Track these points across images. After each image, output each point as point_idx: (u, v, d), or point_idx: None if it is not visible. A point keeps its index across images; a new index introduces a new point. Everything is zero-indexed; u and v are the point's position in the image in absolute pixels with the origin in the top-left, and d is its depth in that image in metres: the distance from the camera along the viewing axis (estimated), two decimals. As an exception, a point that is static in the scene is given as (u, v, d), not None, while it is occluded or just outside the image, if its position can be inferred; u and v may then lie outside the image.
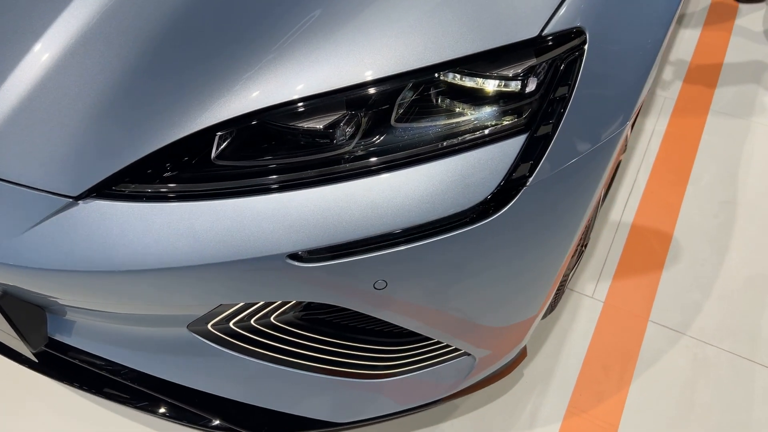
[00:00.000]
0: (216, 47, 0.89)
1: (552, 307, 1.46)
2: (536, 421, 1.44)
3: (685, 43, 2.57)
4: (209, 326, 1.03)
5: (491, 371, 1.24)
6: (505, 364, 1.27)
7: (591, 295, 1.70)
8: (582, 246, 1.46)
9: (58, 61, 0.89)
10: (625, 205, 1.93)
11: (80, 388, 1.22)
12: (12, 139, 0.88)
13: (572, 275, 1.62)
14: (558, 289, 1.34)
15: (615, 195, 1.96)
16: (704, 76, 2.42)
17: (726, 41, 2.59)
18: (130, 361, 1.10)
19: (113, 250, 0.85)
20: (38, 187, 0.87)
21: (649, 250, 1.81)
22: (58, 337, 1.12)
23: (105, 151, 0.87)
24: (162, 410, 1.19)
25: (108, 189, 0.87)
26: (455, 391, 1.21)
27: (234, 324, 1.02)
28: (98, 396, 1.24)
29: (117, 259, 0.85)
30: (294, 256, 0.86)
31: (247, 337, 1.04)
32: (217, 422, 1.17)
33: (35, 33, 0.90)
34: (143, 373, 1.11)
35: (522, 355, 1.33)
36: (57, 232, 0.86)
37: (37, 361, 1.13)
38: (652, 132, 2.18)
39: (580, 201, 1.00)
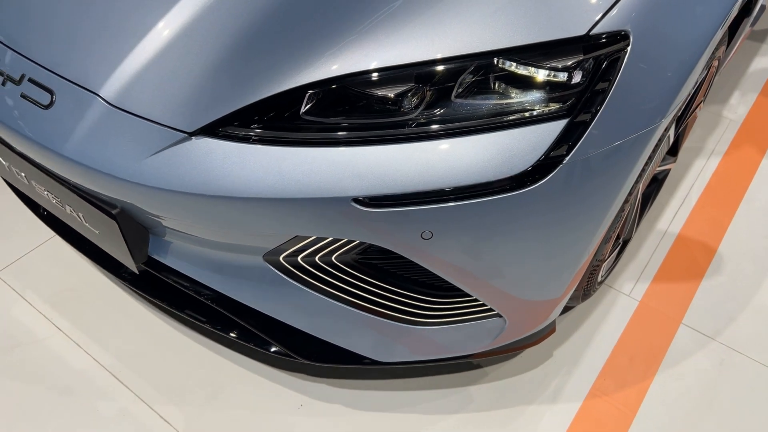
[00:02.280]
0: (313, 21, 1.08)
1: (586, 295, 1.58)
2: (559, 397, 1.56)
3: (760, 72, 2.60)
4: (281, 258, 1.22)
5: (519, 338, 1.37)
6: (533, 334, 1.40)
7: (628, 293, 1.80)
8: (620, 239, 1.57)
9: (190, 21, 1.11)
10: (674, 216, 2.01)
11: (166, 305, 1.44)
12: (146, 83, 1.10)
13: (610, 269, 1.73)
14: (591, 276, 1.46)
15: (665, 205, 2.04)
16: (774, 103, 2.45)
17: (802, 72, 2.60)
18: (211, 281, 1.31)
19: (215, 179, 1.05)
20: (162, 123, 1.08)
21: (691, 259, 1.89)
22: (155, 256, 1.34)
23: (217, 98, 1.07)
24: (232, 333, 1.39)
25: (216, 129, 1.07)
26: (484, 350, 1.35)
27: (301, 258, 1.21)
28: (179, 314, 1.46)
29: (217, 186, 1.05)
30: (358, 201, 1.03)
31: (310, 272, 1.22)
32: (276, 348, 1.37)
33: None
34: (221, 293, 1.32)
35: (551, 330, 1.46)
36: (172, 160, 1.07)
37: (137, 273, 1.36)
38: (712, 151, 2.24)
39: (610, 186, 1.13)
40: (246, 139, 1.06)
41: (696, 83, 1.24)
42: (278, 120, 1.06)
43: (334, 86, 1.05)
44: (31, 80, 1.18)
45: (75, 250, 1.56)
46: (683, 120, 1.58)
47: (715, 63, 1.55)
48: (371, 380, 1.57)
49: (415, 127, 1.04)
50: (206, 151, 1.06)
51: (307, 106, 1.06)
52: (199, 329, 1.65)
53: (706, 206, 2.05)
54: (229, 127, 1.07)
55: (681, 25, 1.11)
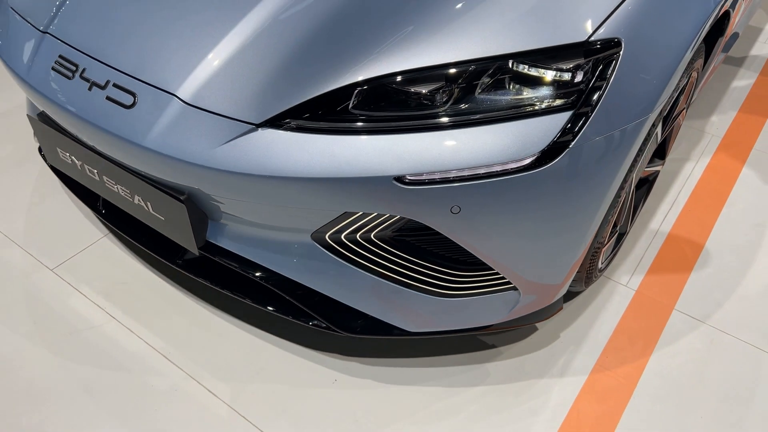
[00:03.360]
0: (358, 32, 1.30)
1: (589, 279, 1.77)
2: (567, 372, 1.74)
3: (738, 92, 2.86)
4: (326, 236, 1.41)
5: (531, 311, 1.56)
6: (544, 309, 1.59)
7: (625, 284, 1.99)
8: (617, 228, 1.77)
9: (256, 32, 1.33)
10: (665, 217, 2.22)
11: (218, 287, 1.62)
12: (217, 84, 1.31)
13: (609, 260, 1.93)
14: (593, 259, 1.66)
15: (656, 208, 2.25)
16: (751, 121, 2.69)
17: (776, 93, 2.86)
18: (262, 260, 1.49)
19: (278, 163, 1.25)
20: (232, 117, 1.29)
21: (681, 254, 2.09)
22: (212, 240, 1.53)
23: (280, 95, 1.28)
24: (278, 310, 1.57)
25: (279, 121, 1.28)
26: (501, 321, 1.54)
27: (344, 236, 1.40)
28: (230, 293, 1.63)
29: (280, 168, 1.25)
30: (398, 179, 1.23)
31: (351, 248, 1.42)
32: (318, 322, 1.54)
33: (244, 9, 1.35)
34: (269, 272, 1.50)
35: (559, 308, 1.65)
36: (241, 148, 1.27)
37: (197, 255, 1.54)
38: (697, 161, 2.47)
39: (608, 169, 1.34)
40: (304, 130, 1.27)
41: (678, 87, 1.46)
42: (331, 113, 1.27)
43: (376, 84, 1.26)
44: (115, 85, 1.38)
45: (132, 240, 1.74)
46: (669, 122, 1.80)
47: (695, 74, 1.78)
48: (398, 358, 1.74)
49: (444, 117, 1.25)
50: (270, 140, 1.27)
51: (355, 102, 1.27)
52: (240, 314, 1.82)
53: (693, 209, 2.26)
54: (290, 119, 1.27)
55: (663, 35, 1.33)
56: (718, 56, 2.07)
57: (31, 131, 2.46)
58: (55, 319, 1.81)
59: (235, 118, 1.29)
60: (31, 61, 1.51)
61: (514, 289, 1.47)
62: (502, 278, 1.45)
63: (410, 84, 1.26)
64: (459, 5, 1.30)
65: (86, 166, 1.59)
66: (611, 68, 1.25)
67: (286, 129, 1.27)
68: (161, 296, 1.88)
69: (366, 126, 1.26)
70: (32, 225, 2.10)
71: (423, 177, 1.24)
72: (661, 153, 1.95)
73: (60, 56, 1.47)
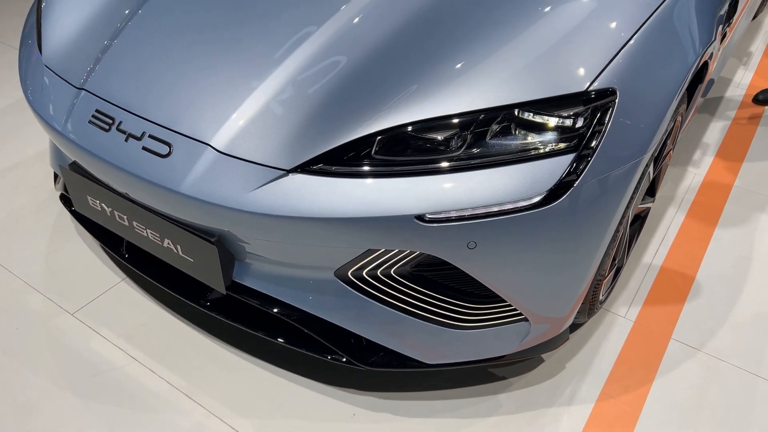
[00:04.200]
0: (380, 85, 1.43)
1: (591, 311, 1.87)
2: (574, 401, 1.82)
3: (716, 132, 3.04)
4: (349, 272, 1.50)
5: (540, 342, 1.65)
6: (552, 340, 1.68)
7: (624, 315, 2.09)
8: (616, 261, 1.88)
9: (283, 86, 1.46)
10: (656, 252, 2.34)
11: (242, 326, 1.70)
12: (249, 134, 1.43)
13: (608, 292, 2.04)
14: (595, 290, 1.76)
15: (647, 243, 2.38)
16: (730, 159, 2.86)
17: (752, 132, 3.05)
18: (286, 297, 1.58)
19: (308, 205, 1.36)
20: (264, 163, 1.40)
21: (673, 286, 2.21)
22: (238, 279, 1.62)
23: (308, 143, 1.40)
24: (300, 345, 1.64)
25: (308, 166, 1.39)
26: (512, 352, 1.62)
27: (366, 272, 1.50)
28: (252, 331, 1.71)
29: (309, 210, 1.35)
30: (419, 217, 1.34)
31: (372, 284, 1.51)
32: (340, 357, 1.62)
33: (271, 67, 1.47)
34: (293, 306, 1.58)
35: (565, 338, 1.74)
36: (273, 192, 1.38)
37: (224, 294, 1.62)
38: (683, 198, 2.61)
39: (609, 206, 1.46)
40: (331, 174, 1.38)
41: (666, 130, 1.60)
42: (355, 158, 1.38)
43: (397, 132, 1.38)
44: (150, 136, 1.49)
45: (156, 283, 1.82)
46: (659, 162, 1.94)
47: (679, 118, 1.93)
48: (413, 391, 1.81)
49: (459, 161, 1.37)
50: (300, 184, 1.37)
51: (377, 148, 1.39)
52: (257, 351, 1.89)
53: (682, 243, 2.39)
54: (318, 164, 1.39)
55: (652, 85, 1.48)
56: (697, 100, 2.23)
57: (45, 181, 2.55)
58: (77, 362, 1.87)
59: (267, 164, 1.40)
60: (67, 115, 1.61)
61: (525, 320, 1.57)
62: (514, 310, 1.54)
63: (427, 131, 1.39)
64: (464, 62, 1.43)
65: (116, 213, 1.67)
66: (608, 115, 1.39)
67: (314, 174, 1.38)
68: (180, 336, 1.95)
69: (388, 170, 1.37)
70: (51, 271, 2.16)
71: (442, 215, 1.34)
72: (651, 191, 2.09)
73: (96, 110, 1.58)
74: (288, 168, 1.39)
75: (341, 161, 1.39)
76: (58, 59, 1.72)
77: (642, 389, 1.87)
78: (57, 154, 1.94)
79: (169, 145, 1.47)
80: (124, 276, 2.14)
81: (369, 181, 1.36)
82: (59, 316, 2.00)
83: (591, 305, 1.82)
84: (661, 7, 1.54)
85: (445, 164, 1.37)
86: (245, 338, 1.92)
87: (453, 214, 1.34)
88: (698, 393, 1.85)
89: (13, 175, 2.60)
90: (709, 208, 2.57)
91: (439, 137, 1.38)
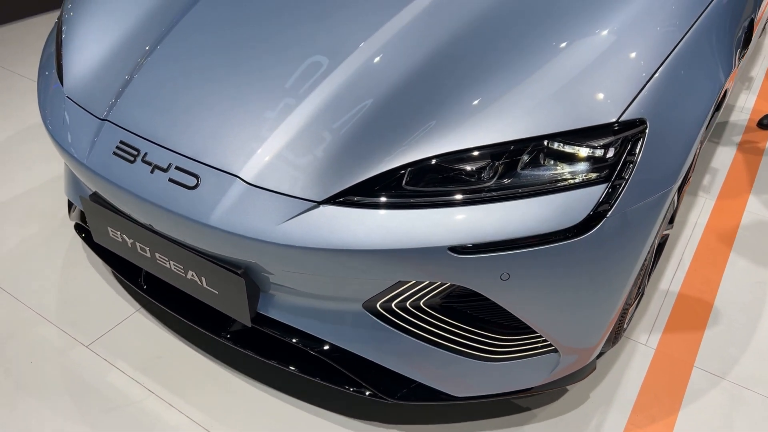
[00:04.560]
0: (408, 119, 1.42)
1: (615, 339, 1.85)
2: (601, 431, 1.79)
3: (724, 156, 3.06)
4: (377, 304, 1.48)
5: (568, 373, 1.63)
6: (579, 370, 1.66)
7: (644, 343, 2.08)
8: (640, 291, 1.87)
9: (311, 119, 1.45)
10: (672, 278, 2.34)
11: (263, 358, 1.66)
12: (279, 165, 1.42)
13: (630, 319, 2.02)
14: (621, 318, 1.75)
15: (664, 269, 2.37)
16: (739, 183, 2.87)
17: (759, 156, 3.07)
18: (312, 329, 1.55)
19: (339, 236, 1.34)
20: (294, 195, 1.38)
21: (692, 313, 2.20)
22: (262, 311, 1.59)
23: (339, 175, 1.38)
24: (326, 379, 1.61)
25: (339, 198, 1.37)
26: (541, 384, 1.60)
27: (395, 304, 1.48)
28: (276, 364, 1.68)
29: (340, 242, 1.34)
30: (453, 249, 1.33)
31: (401, 316, 1.49)
32: (368, 391, 1.59)
33: (299, 98, 1.46)
34: (318, 338, 1.55)
35: (593, 368, 1.72)
36: (304, 223, 1.36)
37: (249, 326, 1.59)
38: (696, 224, 2.62)
39: (640, 235, 1.45)
40: (363, 205, 1.36)
41: (694, 157, 1.60)
42: (386, 189, 1.37)
43: (427, 164, 1.38)
44: (177, 168, 1.48)
45: (175, 314, 1.79)
46: (681, 189, 1.94)
47: (701, 145, 1.94)
48: (436, 424, 1.78)
49: (492, 192, 1.36)
50: (332, 216, 1.36)
51: (407, 179, 1.38)
52: (275, 382, 1.85)
53: (698, 269, 2.38)
54: (349, 196, 1.37)
55: (681, 115, 1.48)
56: (712, 126, 2.25)
57: (55, 209, 2.52)
58: (94, 395, 1.83)
59: (298, 196, 1.38)
60: (90, 146, 1.60)
61: (555, 351, 1.55)
62: (544, 341, 1.52)
63: (457, 162, 1.38)
64: (492, 94, 1.43)
65: (138, 244, 1.65)
66: (639, 145, 1.39)
67: (346, 205, 1.37)
68: (198, 368, 1.91)
69: (420, 201, 1.36)
70: (64, 302, 2.12)
71: (475, 247, 1.33)
72: (671, 217, 2.08)
73: (121, 141, 1.56)
74: (319, 200, 1.37)
75: (372, 193, 1.38)
76: (79, 90, 1.71)
77: (668, 419, 1.84)
78: (75, 184, 1.92)
79: (196, 176, 1.46)
80: (138, 307, 2.11)
81: (401, 212, 1.35)
82: (74, 349, 1.96)
83: (616, 334, 1.80)
84: (686, 37, 1.55)
85: (476, 195, 1.36)
86: (266, 370, 1.88)
87: (487, 246, 1.33)
88: (726, 423, 1.83)
89: (23, 203, 2.57)
90: (722, 234, 2.58)
91: (470, 168, 1.38)
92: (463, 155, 1.38)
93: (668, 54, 1.49)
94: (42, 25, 4.19)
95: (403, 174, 1.38)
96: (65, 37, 1.84)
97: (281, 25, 1.69)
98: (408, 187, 1.38)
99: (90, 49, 1.77)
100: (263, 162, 1.43)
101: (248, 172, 1.43)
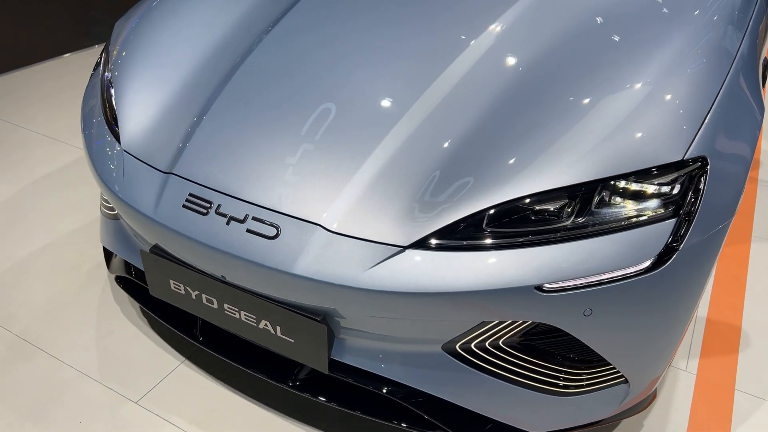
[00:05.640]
0: (478, 163, 1.47)
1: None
2: (660, 459, 1.83)
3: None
4: (457, 346, 1.50)
5: (635, 402, 1.67)
6: (644, 400, 1.70)
7: (684, 369, 2.14)
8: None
9: (387, 166, 1.49)
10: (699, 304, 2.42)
11: (335, 403, 1.66)
12: (360, 212, 1.44)
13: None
14: (675, 347, 1.80)
15: (690, 296, 2.46)
16: (742, 208, 3.02)
17: (755, 182, 3.23)
18: (388, 372, 1.56)
19: (425, 280, 1.36)
20: (379, 241, 1.41)
21: (723, 337, 2.28)
22: (335, 357, 1.59)
23: (419, 220, 1.42)
24: (402, 422, 1.61)
25: (424, 242, 1.40)
26: (611, 414, 1.63)
27: (474, 345, 1.50)
28: (347, 409, 1.67)
29: (427, 285, 1.36)
30: (539, 288, 1.37)
31: (481, 356, 1.51)
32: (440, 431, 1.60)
33: (376, 139, 1.51)
34: (394, 382, 1.56)
35: (654, 396, 1.76)
36: (391, 268, 1.38)
37: (327, 372, 1.59)
38: (710, 250, 2.73)
39: (706, 266, 1.52)
40: (447, 248, 1.40)
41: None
42: (469, 231, 1.41)
43: (506, 206, 1.42)
44: (255, 218, 1.49)
45: (237, 365, 1.77)
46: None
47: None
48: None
49: (569, 231, 1.41)
50: (419, 260, 1.39)
51: (490, 221, 1.42)
52: (334, 426, 1.84)
53: (720, 294, 2.48)
54: (434, 239, 1.40)
55: (733, 150, 1.57)
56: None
57: (79, 263, 2.47)
58: (152, 454, 1.78)
59: (383, 242, 1.41)
60: (156, 200, 1.59)
61: (625, 382, 1.59)
62: (616, 372, 1.56)
63: (535, 203, 1.43)
64: (562, 137, 1.50)
65: (204, 295, 1.64)
66: (703, 181, 1.46)
67: (431, 249, 1.40)
68: (252, 418, 1.88)
69: (502, 242, 1.40)
70: (105, 358, 2.07)
71: (560, 284, 1.37)
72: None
73: (190, 194, 1.56)
74: (405, 245, 1.40)
75: (455, 235, 1.41)
76: (138, 144, 1.71)
77: (721, 443, 1.90)
78: (122, 238, 1.91)
79: (276, 227, 1.47)
80: (183, 359, 2.08)
81: (486, 253, 1.39)
82: (123, 406, 1.91)
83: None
84: (728, 78, 1.65)
85: (555, 234, 1.41)
86: (325, 416, 1.87)
87: (571, 283, 1.37)
88: (776, 443, 1.89)
89: (44, 259, 2.51)
90: (735, 257, 2.69)
91: (549, 208, 1.43)
92: (539, 197, 1.43)
93: (717, 93, 1.59)
94: (33, 76, 4.15)
95: (484, 216, 1.42)
96: (117, 94, 1.83)
97: (342, 74, 1.74)
98: (489, 229, 1.42)
99: (145, 104, 1.77)
100: (344, 209, 1.45)
101: (329, 220, 1.45)
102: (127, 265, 2.00)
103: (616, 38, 1.74)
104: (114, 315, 2.24)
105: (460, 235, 1.41)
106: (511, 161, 1.47)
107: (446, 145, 1.52)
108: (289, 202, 1.49)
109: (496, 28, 1.78)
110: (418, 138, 1.54)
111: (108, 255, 2.13)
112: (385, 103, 1.63)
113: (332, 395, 1.68)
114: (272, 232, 1.46)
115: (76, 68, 4.28)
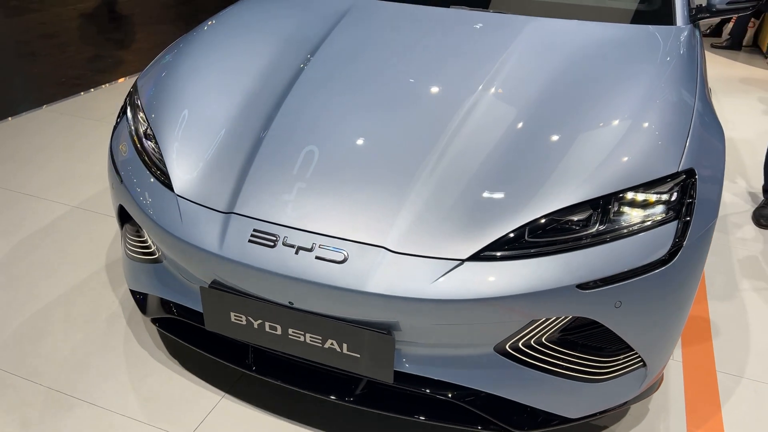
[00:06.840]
0: (514, 183, 1.72)
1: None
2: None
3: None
4: (507, 346, 1.71)
5: (651, 384, 1.92)
6: (655, 383, 1.96)
7: (672, 358, 2.43)
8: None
9: (435, 191, 1.70)
10: (672, 301, 2.75)
11: (393, 412, 1.81)
12: (417, 232, 1.64)
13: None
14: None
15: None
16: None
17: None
18: (444, 376, 1.73)
19: (484, 287, 1.57)
20: (441, 257, 1.61)
21: (697, 328, 2.60)
22: (397, 368, 1.75)
23: (472, 235, 1.63)
24: (450, 418, 1.79)
25: (478, 254, 1.62)
26: (635, 395, 1.88)
27: (522, 343, 1.71)
28: (402, 416, 1.82)
29: (486, 291, 1.57)
30: (580, 286, 1.60)
31: (527, 352, 1.72)
32: (493, 425, 1.78)
33: (414, 171, 1.72)
34: (451, 384, 1.74)
35: (662, 379, 2.03)
36: (453, 279, 1.58)
37: (392, 381, 1.74)
38: (671, 255, 3.09)
39: (703, 257, 1.81)
40: (498, 258, 1.61)
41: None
42: (511, 243, 1.64)
43: (544, 220, 1.67)
44: (321, 246, 1.65)
45: (296, 388, 1.88)
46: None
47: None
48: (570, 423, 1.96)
49: (595, 237, 1.66)
50: (476, 270, 1.60)
51: (530, 233, 1.65)
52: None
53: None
54: (487, 252, 1.62)
55: (711, 159, 1.89)
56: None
57: (95, 311, 2.50)
58: (217, 483, 1.85)
59: (443, 257, 1.61)
60: (220, 239, 1.72)
61: (643, 365, 1.84)
62: (636, 357, 1.81)
63: (564, 216, 1.68)
64: (580, 159, 1.77)
65: (267, 323, 1.77)
66: (694, 188, 1.77)
67: (485, 260, 1.61)
68: None
69: (543, 249, 1.64)
70: (146, 400, 2.12)
71: (597, 281, 1.62)
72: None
73: (255, 230, 1.71)
74: (463, 258, 1.61)
75: (502, 247, 1.64)
76: (193, 188, 1.83)
77: (716, 417, 2.18)
78: (163, 280, 2.00)
79: (343, 252, 1.64)
80: (223, 393, 2.16)
81: (531, 261, 1.62)
82: (177, 443, 1.97)
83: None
84: (696, 103, 1.99)
85: (585, 240, 1.66)
86: (366, 426, 2.00)
87: (605, 280, 1.62)
88: (760, 409, 2.19)
89: (58, 313, 2.52)
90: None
91: (575, 218, 1.68)
92: (568, 210, 1.68)
93: (691, 117, 1.92)
94: (3, 131, 4.10)
95: (525, 229, 1.66)
96: (162, 141, 1.96)
97: (375, 114, 1.95)
98: (530, 239, 1.65)
99: (192, 152, 1.91)
100: (402, 232, 1.65)
101: (392, 242, 1.63)
102: (166, 306, 2.08)
103: (596, 80, 2.06)
104: (144, 359, 2.29)
105: (509, 247, 1.64)
106: (541, 182, 1.72)
107: (483, 172, 1.75)
108: (351, 228, 1.67)
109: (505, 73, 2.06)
110: (458, 167, 1.76)
111: (140, 300, 2.20)
112: (418, 139, 1.85)
113: (388, 405, 1.83)
114: (340, 257, 1.63)
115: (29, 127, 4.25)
